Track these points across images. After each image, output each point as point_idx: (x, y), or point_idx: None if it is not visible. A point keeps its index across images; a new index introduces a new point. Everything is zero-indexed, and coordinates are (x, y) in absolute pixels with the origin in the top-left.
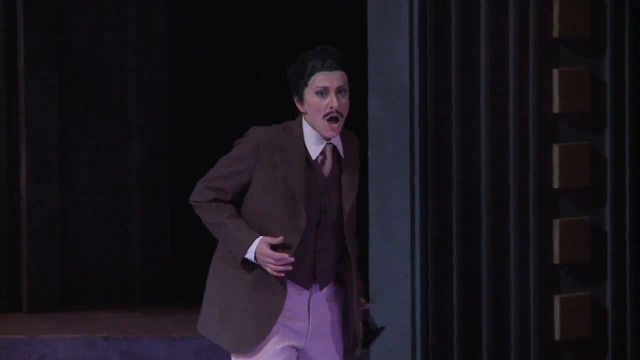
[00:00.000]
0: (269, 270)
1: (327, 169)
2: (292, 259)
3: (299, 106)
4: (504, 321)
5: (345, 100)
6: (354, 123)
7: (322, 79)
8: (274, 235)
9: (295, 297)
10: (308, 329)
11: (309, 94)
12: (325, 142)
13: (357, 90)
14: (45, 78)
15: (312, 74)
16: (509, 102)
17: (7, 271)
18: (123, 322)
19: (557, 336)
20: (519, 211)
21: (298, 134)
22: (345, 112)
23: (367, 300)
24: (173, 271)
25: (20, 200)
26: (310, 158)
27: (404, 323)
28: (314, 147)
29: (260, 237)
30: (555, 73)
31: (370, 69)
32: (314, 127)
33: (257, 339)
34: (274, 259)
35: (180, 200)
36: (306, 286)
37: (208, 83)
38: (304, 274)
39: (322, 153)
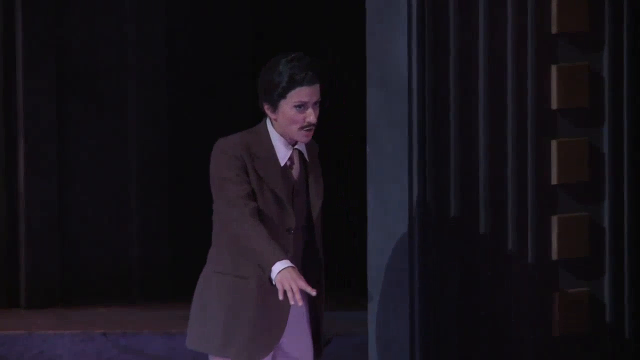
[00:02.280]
0: (286, 288)
1: (295, 173)
2: (314, 293)
3: (269, 112)
4: (503, 317)
5: (318, 111)
6: (353, 117)
7: (302, 93)
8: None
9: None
10: (286, 330)
11: (287, 106)
12: (292, 147)
13: (355, 84)
14: (44, 77)
15: (292, 87)
16: (507, 97)
17: (5, 267)
18: (122, 318)
19: (555, 332)
20: (517, 207)
21: (266, 140)
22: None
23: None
24: (172, 267)
25: (19, 197)
26: (279, 164)
27: (402, 319)
28: (282, 153)
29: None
30: (554, 69)
31: (369, 62)
32: (282, 134)
33: (269, 347)
34: (299, 287)
35: (179, 196)
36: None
37: (207, 82)
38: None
39: (290, 158)
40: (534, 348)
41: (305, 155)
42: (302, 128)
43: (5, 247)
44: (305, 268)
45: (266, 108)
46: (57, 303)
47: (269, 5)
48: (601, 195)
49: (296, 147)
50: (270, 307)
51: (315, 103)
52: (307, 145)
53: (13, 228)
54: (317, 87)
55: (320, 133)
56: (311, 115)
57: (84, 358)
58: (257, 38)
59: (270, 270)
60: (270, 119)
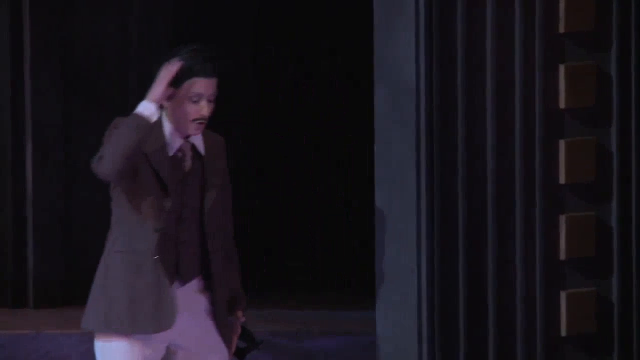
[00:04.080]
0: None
1: (187, 164)
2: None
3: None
4: (510, 316)
5: (212, 106)
6: (361, 116)
7: (199, 85)
8: (142, 213)
9: None
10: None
11: (181, 97)
12: (182, 139)
13: (363, 82)
14: (50, 74)
15: (188, 77)
16: (515, 97)
17: (13, 267)
18: None
19: (563, 331)
20: (525, 206)
21: (158, 128)
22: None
23: (243, 309)
24: None
25: (26, 197)
26: (167, 152)
27: (410, 318)
28: (172, 144)
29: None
30: (561, 68)
31: (376, 61)
32: (174, 124)
33: (130, 324)
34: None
35: None
36: (169, 279)
37: None
38: (166, 267)
39: (181, 150)
40: (542, 347)
41: (200, 149)
42: (194, 120)
43: (12, 247)
44: (189, 262)
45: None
46: (64, 303)
47: (275, 4)
48: (609, 194)
49: (190, 140)
50: (163, 281)
51: (210, 96)
52: (208, 140)
53: (20, 228)
54: (213, 80)
55: (321, 133)
56: (204, 109)
57: (91, 358)
58: (260, 37)
59: (142, 111)
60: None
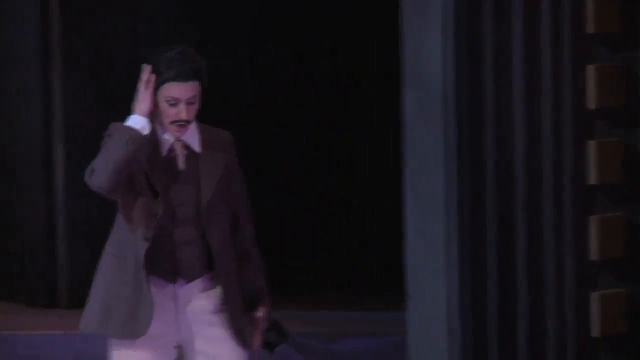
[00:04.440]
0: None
1: (180, 163)
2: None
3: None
4: (541, 317)
5: (194, 107)
6: (388, 117)
7: (173, 90)
8: (133, 221)
9: (159, 291)
10: (179, 322)
11: (160, 99)
12: (173, 138)
13: (391, 83)
14: (81, 74)
15: (163, 82)
16: (544, 98)
17: (44, 268)
18: None
19: (594, 332)
20: (554, 207)
21: (151, 129)
22: (193, 116)
23: (266, 306)
24: None
25: (57, 196)
26: (159, 151)
27: (440, 319)
28: (163, 143)
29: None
30: (590, 69)
31: (404, 63)
32: (160, 124)
33: (146, 326)
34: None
35: None
36: (170, 280)
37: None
38: (165, 267)
39: (171, 149)
40: (573, 348)
41: (195, 147)
42: (173, 122)
43: (44, 248)
44: (190, 261)
45: None
46: None
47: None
48: (638, 195)
49: (182, 138)
50: (142, 287)
51: (189, 102)
52: (208, 135)
53: (51, 229)
54: (190, 84)
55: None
56: (182, 112)
57: None
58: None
59: (132, 125)
60: None
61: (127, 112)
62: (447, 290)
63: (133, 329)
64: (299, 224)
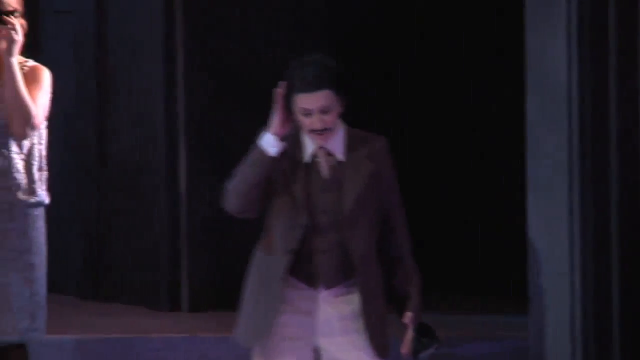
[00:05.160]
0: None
1: (323, 169)
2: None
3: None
4: None
5: (330, 117)
6: (511, 122)
7: (303, 101)
8: (278, 232)
9: (300, 294)
10: (317, 327)
11: (295, 109)
12: (316, 145)
13: (514, 88)
14: (203, 78)
15: (294, 92)
16: None
17: (167, 272)
18: None
19: None
20: None
21: (296, 135)
22: (332, 125)
23: (414, 311)
24: None
25: (180, 201)
26: (302, 158)
27: (563, 322)
28: (306, 150)
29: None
30: None
31: (528, 68)
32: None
33: (262, 333)
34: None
35: None
36: (310, 284)
37: None
38: (305, 272)
39: (316, 155)
40: None
41: (338, 154)
42: (311, 131)
43: (167, 252)
44: (331, 268)
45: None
46: (218, 307)
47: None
48: None
49: (325, 145)
50: (278, 292)
51: (322, 111)
52: (357, 142)
53: (174, 233)
54: (318, 94)
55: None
56: (315, 123)
57: None
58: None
59: (261, 144)
60: None
61: (246, 113)
62: (570, 292)
63: (257, 330)
64: (419, 226)
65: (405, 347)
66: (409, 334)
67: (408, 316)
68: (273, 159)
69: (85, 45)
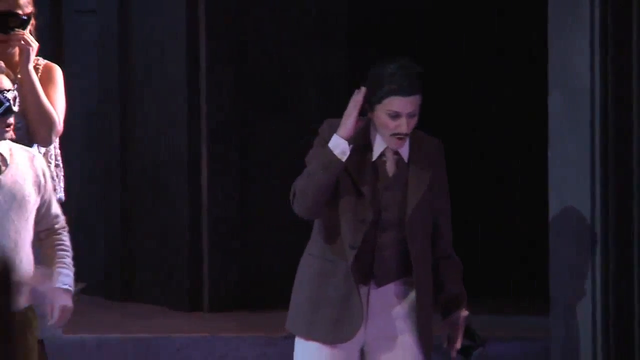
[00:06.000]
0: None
1: (390, 168)
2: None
3: (369, 111)
4: None
5: (414, 121)
6: (534, 121)
7: (396, 104)
8: (343, 229)
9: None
10: (367, 325)
11: (381, 111)
12: (385, 145)
13: (537, 87)
14: (226, 78)
15: (387, 95)
16: None
17: (188, 271)
18: None
19: None
20: None
21: (365, 133)
22: (411, 130)
23: (463, 309)
24: None
25: (201, 201)
26: (371, 156)
27: (585, 323)
28: (375, 148)
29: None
30: None
31: (551, 67)
32: (378, 131)
33: (354, 330)
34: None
35: None
36: (363, 281)
37: None
38: (361, 269)
39: (384, 154)
40: None
41: (404, 155)
42: (393, 135)
43: (188, 251)
44: (386, 266)
45: (367, 106)
46: (239, 307)
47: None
48: None
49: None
50: (352, 291)
51: (410, 115)
52: (418, 143)
53: (196, 233)
54: (413, 98)
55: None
56: (403, 126)
57: None
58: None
59: (333, 149)
60: None
61: (269, 114)
62: (592, 294)
63: (341, 333)
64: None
65: (459, 345)
66: (460, 332)
67: (464, 314)
68: (343, 164)
69: (108, 45)
